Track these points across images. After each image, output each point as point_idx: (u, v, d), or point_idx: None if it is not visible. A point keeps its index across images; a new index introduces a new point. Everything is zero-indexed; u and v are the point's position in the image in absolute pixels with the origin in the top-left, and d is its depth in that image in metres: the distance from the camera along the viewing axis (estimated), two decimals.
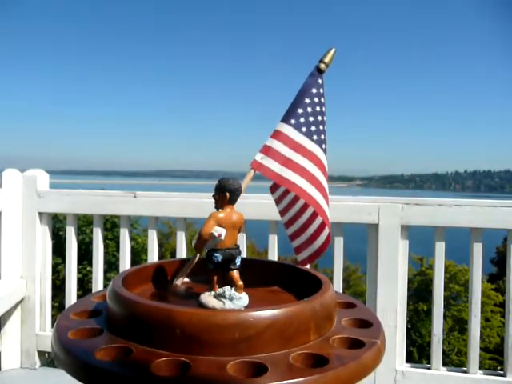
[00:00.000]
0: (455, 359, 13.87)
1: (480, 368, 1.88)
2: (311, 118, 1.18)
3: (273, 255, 2.01)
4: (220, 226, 0.96)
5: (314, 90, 1.20)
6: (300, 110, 1.17)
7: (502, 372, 1.87)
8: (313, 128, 1.18)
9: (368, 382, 1.81)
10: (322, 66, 1.23)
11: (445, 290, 2.00)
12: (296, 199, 1.23)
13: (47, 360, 2.26)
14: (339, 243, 1.98)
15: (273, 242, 2.02)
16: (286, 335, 0.80)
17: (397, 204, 1.89)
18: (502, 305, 12.38)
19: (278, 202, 1.29)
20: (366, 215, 1.91)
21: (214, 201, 1.00)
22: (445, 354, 13.22)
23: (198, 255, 1.07)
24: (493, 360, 13.29)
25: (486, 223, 1.84)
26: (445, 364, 1.92)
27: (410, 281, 9.56)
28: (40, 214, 2.20)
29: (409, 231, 1.93)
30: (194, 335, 0.77)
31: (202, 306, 0.94)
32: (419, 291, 15.62)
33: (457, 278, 15.16)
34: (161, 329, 0.79)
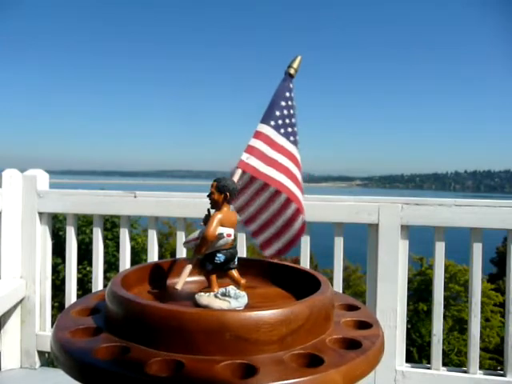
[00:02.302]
0: (455, 359, 13.86)
1: (480, 368, 1.88)
2: (287, 120, 1.27)
3: None
4: (222, 226, 0.96)
5: (288, 94, 1.30)
6: (277, 113, 1.26)
7: (501, 372, 1.87)
8: (289, 129, 1.27)
9: (368, 382, 1.81)
10: (292, 71, 1.33)
11: (445, 290, 2.00)
12: (256, 196, 1.27)
13: (47, 360, 2.26)
14: (339, 243, 1.98)
15: None
16: (283, 336, 0.79)
17: (397, 204, 1.89)
18: (502, 305, 12.38)
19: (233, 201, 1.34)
20: (366, 215, 1.91)
21: (211, 201, 0.99)
22: (445, 353, 13.22)
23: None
24: (493, 360, 13.30)
25: (485, 223, 1.84)
26: (445, 364, 1.92)
27: (409, 281, 9.56)
28: (40, 213, 2.20)
29: (409, 231, 1.93)
30: (191, 336, 0.77)
31: (198, 306, 0.93)
32: (419, 291, 15.62)
33: (457, 278, 15.16)
34: (158, 328, 0.79)
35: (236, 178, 1.18)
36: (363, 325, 0.94)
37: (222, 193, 0.98)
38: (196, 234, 1.00)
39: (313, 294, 0.91)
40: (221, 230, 0.96)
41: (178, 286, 0.96)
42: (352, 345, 0.84)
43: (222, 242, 0.96)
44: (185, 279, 0.97)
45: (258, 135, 1.21)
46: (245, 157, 1.18)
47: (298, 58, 1.34)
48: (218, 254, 0.97)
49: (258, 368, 0.72)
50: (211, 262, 0.98)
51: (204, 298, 0.94)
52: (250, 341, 0.77)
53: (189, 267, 0.99)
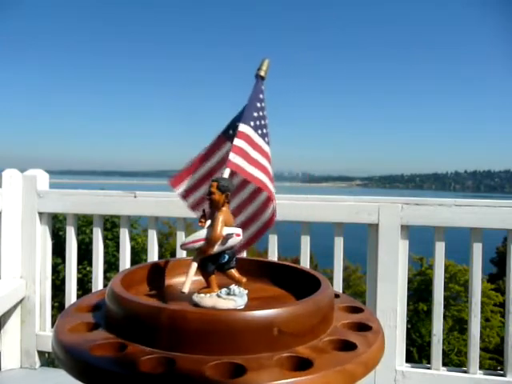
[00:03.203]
0: (455, 359, 13.85)
1: (480, 368, 1.88)
2: (262, 122, 1.33)
3: (273, 255, 2.01)
4: (225, 226, 0.96)
5: (261, 96, 1.36)
6: (255, 114, 1.31)
7: (501, 372, 1.87)
8: (264, 131, 1.33)
9: (368, 382, 1.81)
10: (262, 73, 1.37)
11: (445, 290, 2.00)
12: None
13: (47, 360, 2.26)
14: (339, 243, 1.98)
15: (273, 242, 2.02)
16: (275, 336, 0.79)
17: (397, 204, 1.89)
18: (502, 305, 12.38)
19: (186, 196, 1.37)
20: (366, 215, 1.91)
21: (211, 201, 0.98)
22: (445, 353, 13.22)
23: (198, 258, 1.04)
24: (493, 360, 13.29)
25: (485, 223, 1.84)
26: (445, 364, 1.93)
27: (409, 281, 9.56)
28: (40, 213, 2.20)
29: (409, 231, 1.93)
30: (183, 334, 0.77)
31: (196, 306, 0.93)
32: (419, 291, 15.61)
33: (457, 278, 15.15)
34: (155, 327, 0.79)
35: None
36: (363, 327, 0.93)
37: (223, 192, 0.98)
38: (198, 235, 0.98)
39: (312, 294, 0.91)
40: (228, 230, 0.96)
41: (185, 289, 0.95)
42: (348, 347, 0.83)
43: (231, 242, 0.96)
44: (191, 281, 0.96)
45: (241, 135, 1.25)
46: (232, 156, 1.20)
47: (266, 61, 1.39)
48: (224, 254, 0.97)
49: (247, 368, 0.72)
50: (214, 262, 0.97)
51: (208, 300, 0.93)
52: (242, 341, 0.77)
53: (193, 269, 0.97)
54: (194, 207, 1.39)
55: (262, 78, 1.38)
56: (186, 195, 1.37)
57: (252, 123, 1.29)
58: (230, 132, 1.36)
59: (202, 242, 0.97)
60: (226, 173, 1.17)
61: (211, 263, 0.97)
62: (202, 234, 0.98)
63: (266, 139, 1.33)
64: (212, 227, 0.96)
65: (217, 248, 0.96)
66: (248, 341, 0.77)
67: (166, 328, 0.78)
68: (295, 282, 1.12)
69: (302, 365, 0.75)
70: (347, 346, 0.83)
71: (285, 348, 0.79)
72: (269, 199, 1.31)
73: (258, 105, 1.33)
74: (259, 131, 1.31)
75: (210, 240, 0.95)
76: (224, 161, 1.31)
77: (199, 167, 1.36)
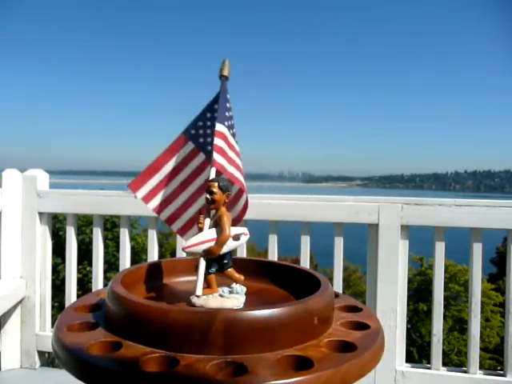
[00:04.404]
0: (455, 359, 13.86)
1: (480, 368, 1.88)
2: (232, 121, 1.37)
3: (273, 255, 2.01)
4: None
5: (228, 96, 1.39)
6: (227, 114, 1.35)
7: (501, 372, 1.87)
8: (234, 130, 1.37)
9: (368, 382, 1.81)
10: (226, 73, 1.40)
11: (445, 290, 2.00)
12: (180, 190, 1.37)
13: (47, 360, 2.26)
14: (339, 243, 1.98)
15: (273, 242, 2.02)
16: (276, 336, 0.79)
17: (397, 204, 1.89)
18: (502, 305, 12.38)
19: (148, 198, 1.38)
20: (366, 215, 1.91)
21: (211, 201, 0.97)
22: (445, 353, 13.22)
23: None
24: (493, 360, 13.30)
25: (485, 223, 1.84)
26: (445, 364, 1.93)
27: (409, 281, 9.56)
28: (40, 213, 2.20)
29: (409, 231, 1.93)
30: (184, 334, 0.77)
31: (192, 307, 0.92)
32: (419, 291, 15.62)
33: (457, 278, 15.16)
34: (153, 327, 0.80)
35: (213, 177, 1.17)
36: (362, 327, 0.93)
37: (224, 192, 0.98)
38: (202, 236, 0.96)
39: (312, 294, 0.91)
40: (235, 230, 0.96)
41: (199, 292, 0.93)
42: (347, 348, 0.83)
43: (239, 242, 0.96)
44: (202, 283, 0.95)
45: (219, 135, 1.28)
46: (215, 155, 1.23)
47: (226, 61, 1.42)
48: (226, 254, 0.96)
49: (248, 367, 0.72)
50: (218, 262, 0.97)
51: (213, 301, 0.93)
52: (242, 340, 0.77)
53: (202, 271, 0.96)
54: (181, 232, 1.41)
55: (226, 79, 1.41)
56: (148, 199, 1.38)
57: (226, 123, 1.32)
58: (192, 132, 1.39)
59: (207, 244, 0.94)
60: (213, 172, 1.18)
61: (215, 263, 0.97)
62: (206, 235, 0.96)
63: (236, 138, 1.38)
64: (220, 228, 0.94)
65: (225, 248, 0.95)
66: (248, 340, 0.77)
67: (166, 328, 0.78)
68: (295, 282, 1.12)
69: (302, 365, 0.75)
70: (346, 347, 0.83)
71: (285, 347, 0.79)
72: (240, 191, 1.34)
73: (228, 105, 1.37)
74: (231, 131, 1.35)
75: (220, 241, 0.94)
76: (194, 169, 1.36)
77: (161, 170, 1.37)
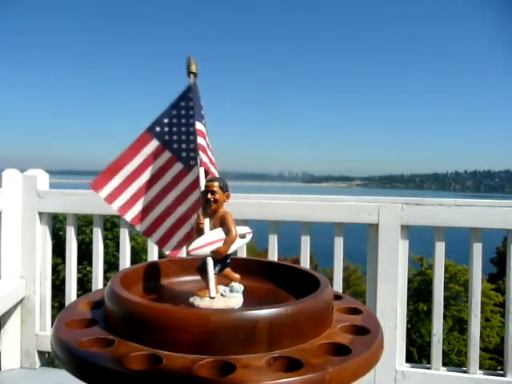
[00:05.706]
0: (455, 359, 13.86)
1: (480, 368, 1.88)
2: (205, 120, 1.36)
3: (273, 255, 2.01)
4: None
5: (199, 94, 1.38)
6: (202, 112, 1.34)
7: (501, 372, 1.87)
8: (206, 128, 1.37)
9: (368, 382, 1.81)
10: (194, 70, 1.38)
11: (445, 290, 2.00)
12: (146, 188, 1.36)
13: (47, 360, 2.26)
14: (339, 243, 1.97)
15: (273, 242, 2.02)
16: (266, 337, 0.79)
17: (397, 204, 1.89)
18: (502, 305, 12.38)
19: (111, 199, 1.39)
20: (366, 215, 1.91)
21: (212, 200, 0.97)
22: (445, 353, 13.21)
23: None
24: (493, 360, 13.29)
25: (485, 223, 1.84)
26: (445, 364, 1.92)
27: (409, 281, 9.56)
28: (40, 213, 2.20)
29: (409, 231, 1.93)
30: (172, 333, 0.78)
31: (193, 307, 0.92)
32: (419, 291, 15.61)
33: (457, 278, 15.16)
34: (146, 325, 0.80)
35: (202, 178, 1.17)
36: (361, 330, 0.91)
37: (224, 192, 0.98)
38: (208, 237, 0.96)
39: (312, 294, 0.91)
40: (240, 229, 0.95)
41: (213, 293, 0.93)
42: (341, 351, 0.81)
43: (243, 241, 0.96)
44: (214, 284, 0.95)
45: (201, 134, 1.28)
46: (202, 155, 1.22)
47: (192, 59, 1.39)
48: (229, 254, 0.96)
49: (237, 367, 0.72)
50: (221, 262, 0.97)
51: (217, 301, 0.92)
52: (231, 340, 0.77)
53: (212, 272, 0.95)
54: (161, 243, 1.37)
55: (195, 75, 1.39)
56: (111, 199, 1.38)
57: (203, 121, 1.32)
58: (157, 129, 1.35)
59: (216, 244, 0.94)
60: (201, 172, 1.18)
61: (219, 263, 0.97)
62: (213, 235, 0.96)
63: (207, 138, 1.38)
64: (227, 228, 0.95)
65: (232, 248, 0.95)
66: (238, 340, 0.77)
67: (159, 326, 0.79)
68: (295, 282, 1.12)
69: (291, 366, 0.75)
70: (341, 350, 0.82)
71: (276, 349, 0.79)
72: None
73: (202, 103, 1.36)
74: (205, 129, 1.35)
75: (228, 240, 0.94)
76: (172, 177, 1.35)
77: (124, 169, 1.34)
